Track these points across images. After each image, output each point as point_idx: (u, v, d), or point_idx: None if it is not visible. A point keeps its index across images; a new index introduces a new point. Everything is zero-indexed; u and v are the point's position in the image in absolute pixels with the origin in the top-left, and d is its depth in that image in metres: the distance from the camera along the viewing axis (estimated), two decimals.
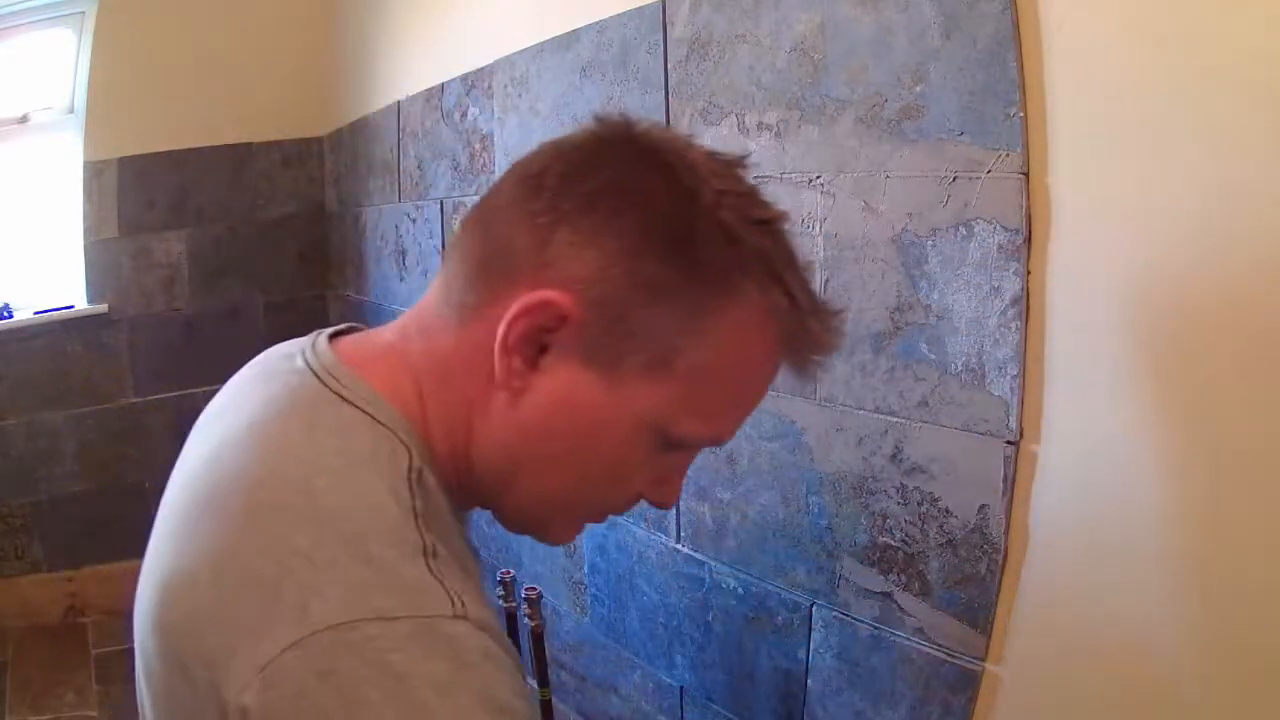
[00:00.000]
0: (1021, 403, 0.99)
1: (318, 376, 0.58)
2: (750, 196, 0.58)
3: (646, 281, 0.55)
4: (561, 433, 0.58)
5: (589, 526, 0.69)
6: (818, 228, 1.18)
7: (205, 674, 0.48)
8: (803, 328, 0.58)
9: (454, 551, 0.54)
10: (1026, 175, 0.95)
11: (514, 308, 0.55)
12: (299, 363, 0.60)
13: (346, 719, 0.44)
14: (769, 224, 0.58)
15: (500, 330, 0.56)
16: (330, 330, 0.65)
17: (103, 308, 3.00)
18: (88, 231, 2.94)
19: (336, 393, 0.57)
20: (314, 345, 0.61)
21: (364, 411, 0.56)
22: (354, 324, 0.68)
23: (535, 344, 0.56)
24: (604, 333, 0.56)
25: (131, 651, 0.63)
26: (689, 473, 0.68)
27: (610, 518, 0.66)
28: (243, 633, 0.47)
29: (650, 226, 0.55)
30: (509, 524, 0.66)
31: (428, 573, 0.50)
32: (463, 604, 0.49)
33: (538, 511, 0.64)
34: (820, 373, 0.70)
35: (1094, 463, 0.94)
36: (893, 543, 1.15)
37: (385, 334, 0.64)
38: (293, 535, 0.49)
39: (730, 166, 0.59)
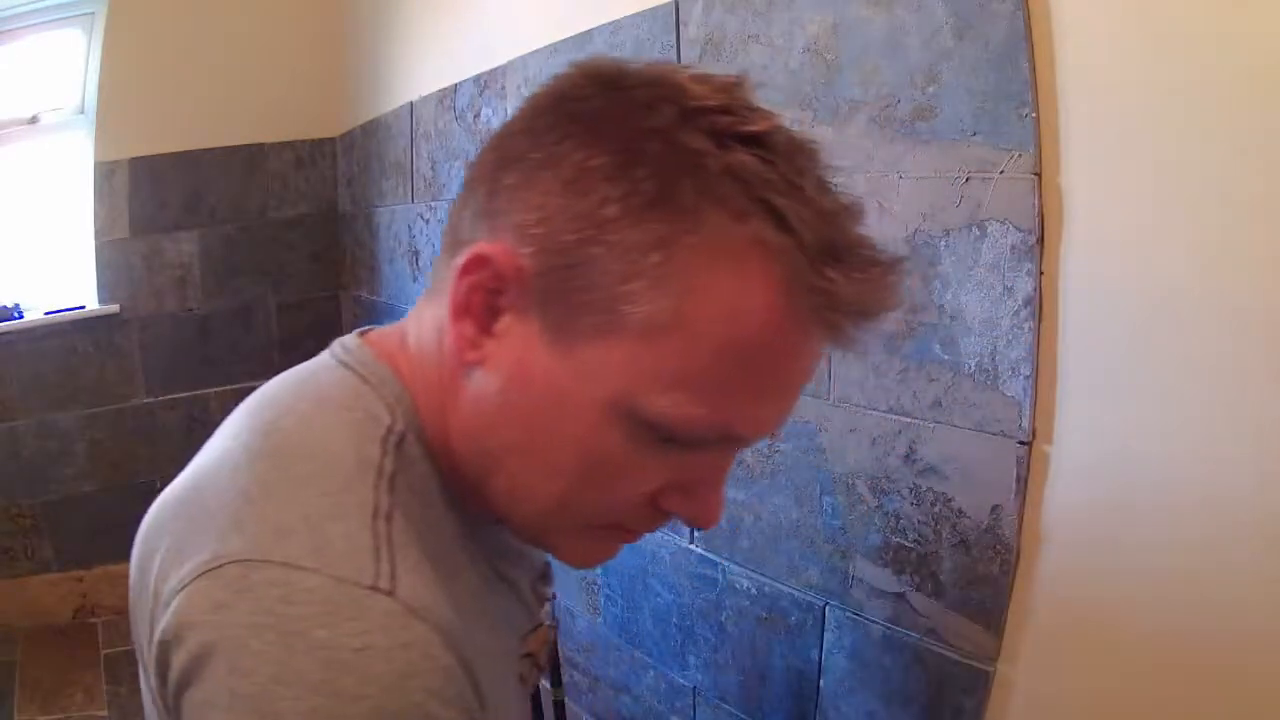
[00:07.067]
0: (1034, 403, 0.99)
1: (331, 353, 0.56)
2: (734, 111, 0.44)
3: (588, 216, 0.43)
4: (520, 412, 0.48)
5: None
6: None
7: (154, 585, 0.47)
8: (815, 273, 0.42)
9: (438, 535, 0.50)
10: (1039, 176, 0.95)
11: (456, 268, 0.47)
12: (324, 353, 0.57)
13: (226, 659, 0.41)
14: (759, 138, 0.43)
15: (449, 295, 0.48)
16: (365, 328, 0.60)
17: (114, 308, 3.00)
18: (99, 232, 2.95)
19: (340, 360, 0.54)
20: (345, 337, 0.58)
21: (357, 373, 0.52)
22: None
23: (485, 307, 0.48)
24: (554, 286, 0.45)
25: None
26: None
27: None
28: (180, 555, 0.46)
29: (591, 153, 0.44)
30: (516, 535, 0.57)
31: (367, 533, 0.45)
32: (391, 578, 0.43)
33: (526, 518, 0.53)
34: (867, 343, 0.47)
35: (1106, 463, 0.94)
36: (906, 543, 1.15)
37: (402, 321, 0.58)
38: (247, 469, 0.47)
39: (718, 82, 0.46)
